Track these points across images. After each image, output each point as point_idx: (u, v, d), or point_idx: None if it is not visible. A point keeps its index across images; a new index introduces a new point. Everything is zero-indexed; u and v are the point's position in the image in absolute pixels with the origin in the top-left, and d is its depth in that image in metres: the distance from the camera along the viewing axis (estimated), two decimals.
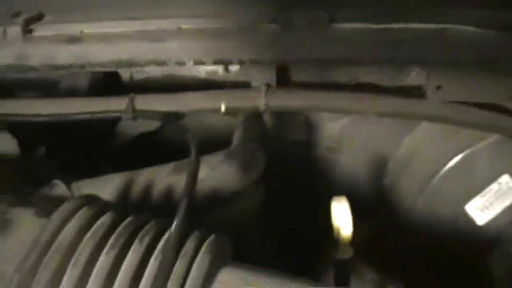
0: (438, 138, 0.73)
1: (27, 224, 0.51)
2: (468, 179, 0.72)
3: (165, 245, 0.46)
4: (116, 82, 0.81)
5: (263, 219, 0.68)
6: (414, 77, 0.71)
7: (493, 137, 0.70)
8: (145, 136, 0.82)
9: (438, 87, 0.69)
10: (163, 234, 0.48)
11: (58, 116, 0.67)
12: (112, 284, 0.44)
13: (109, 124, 0.81)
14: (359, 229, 0.62)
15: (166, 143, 0.81)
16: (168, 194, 0.60)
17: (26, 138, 0.69)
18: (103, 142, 0.82)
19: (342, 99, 0.67)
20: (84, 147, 0.78)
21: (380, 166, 0.77)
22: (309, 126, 0.79)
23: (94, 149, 0.80)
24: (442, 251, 0.75)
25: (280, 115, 0.75)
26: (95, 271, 0.45)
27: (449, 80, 0.68)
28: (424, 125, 0.73)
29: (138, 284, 0.44)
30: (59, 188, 0.60)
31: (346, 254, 0.62)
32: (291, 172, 0.76)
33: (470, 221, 0.72)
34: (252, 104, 0.65)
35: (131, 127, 0.82)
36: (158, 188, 0.61)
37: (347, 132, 0.77)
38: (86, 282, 0.44)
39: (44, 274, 0.44)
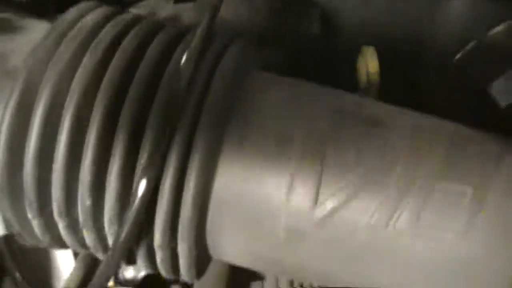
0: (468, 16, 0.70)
1: (41, 28, 0.47)
2: (491, 59, 0.69)
3: (192, 36, 0.42)
4: None
5: None
6: None
7: None
8: None
9: None
10: (189, 32, 0.44)
11: None
12: (135, 69, 0.41)
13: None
14: None
15: None
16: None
17: None
18: None
19: None
20: None
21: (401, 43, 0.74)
22: (326, 19, 0.76)
23: None
24: None
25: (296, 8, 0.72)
26: (116, 55, 0.41)
27: None
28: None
29: (163, 70, 0.41)
30: None
31: None
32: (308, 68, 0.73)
33: (492, 102, 0.70)
34: None
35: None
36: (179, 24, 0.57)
37: (367, 24, 0.74)
38: (105, 68, 0.41)
39: (59, 59, 0.41)
